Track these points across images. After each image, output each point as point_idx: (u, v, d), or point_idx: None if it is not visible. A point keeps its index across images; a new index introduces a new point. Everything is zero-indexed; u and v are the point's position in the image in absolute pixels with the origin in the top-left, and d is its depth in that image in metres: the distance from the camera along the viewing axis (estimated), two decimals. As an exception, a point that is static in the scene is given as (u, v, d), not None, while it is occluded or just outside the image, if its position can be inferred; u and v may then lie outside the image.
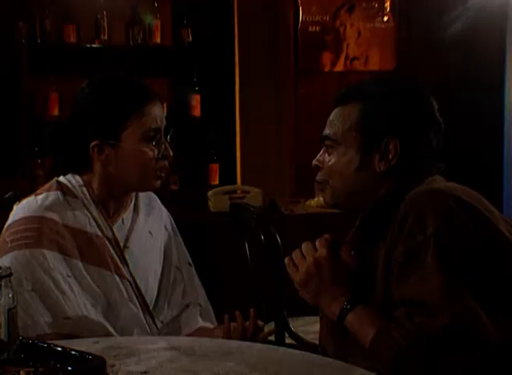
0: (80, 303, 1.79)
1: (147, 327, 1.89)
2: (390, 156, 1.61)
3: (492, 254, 1.45)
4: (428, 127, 1.65)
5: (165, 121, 1.90)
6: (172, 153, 1.90)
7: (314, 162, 1.72)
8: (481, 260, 1.43)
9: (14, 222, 1.85)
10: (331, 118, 1.70)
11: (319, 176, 1.71)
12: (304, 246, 1.64)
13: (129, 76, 1.96)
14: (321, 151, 1.72)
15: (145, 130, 1.85)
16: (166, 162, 1.90)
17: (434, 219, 1.45)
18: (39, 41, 4.33)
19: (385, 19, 4.74)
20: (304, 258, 1.61)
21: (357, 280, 1.60)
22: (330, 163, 1.68)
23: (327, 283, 1.59)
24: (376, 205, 1.63)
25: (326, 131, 1.70)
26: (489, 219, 1.49)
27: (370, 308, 1.54)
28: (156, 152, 1.86)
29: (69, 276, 1.81)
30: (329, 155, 1.69)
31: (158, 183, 1.91)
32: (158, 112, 1.88)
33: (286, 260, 1.65)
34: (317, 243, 1.62)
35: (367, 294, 1.57)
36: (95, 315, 1.81)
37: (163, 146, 1.88)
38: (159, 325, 1.95)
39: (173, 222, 2.12)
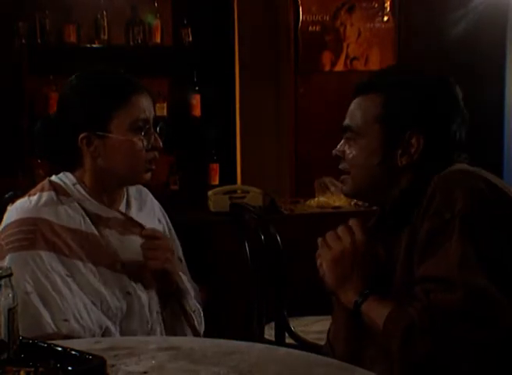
0: (78, 304, 1.79)
1: (146, 319, 1.90)
2: (412, 150, 1.57)
3: None
4: (453, 120, 1.60)
5: (153, 113, 1.90)
6: (161, 144, 1.90)
7: (335, 151, 1.68)
8: (507, 241, 1.41)
9: (8, 224, 1.83)
10: (352, 107, 1.65)
11: (342, 166, 1.67)
12: (341, 228, 1.61)
13: (115, 70, 1.95)
14: (342, 142, 1.67)
15: (133, 120, 1.84)
16: (156, 153, 1.90)
17: (463, 197, 1.42)
18: (39, 41, 4.34)
19: (385, 19, 4.74)
20: (340, 239, 1.60)
21: (378, 271, 1.59)
22: (351, 156, 1.64)
23: (356, 269, 1.57)
24: (401, 195, 1.59)
25: (347, 122, 1.65)
26: None
27: (386, 297, 1.52)
28: (145, 143, 1.86)
29: (68, 276, 1.80)
30: (350, 146, 1.64)
31: (149, 175, 1.91)
32: (146, 103, 1.88)
33: (320, 240, 1.63)
34: (354, 227, 1.60)
35: (384, 283, 1.56)
36: (95, 313, 1.81)
37: (152, 137, 1.88)
38: (154, 316, 1.95)
39: (166, 215, 2.11)
